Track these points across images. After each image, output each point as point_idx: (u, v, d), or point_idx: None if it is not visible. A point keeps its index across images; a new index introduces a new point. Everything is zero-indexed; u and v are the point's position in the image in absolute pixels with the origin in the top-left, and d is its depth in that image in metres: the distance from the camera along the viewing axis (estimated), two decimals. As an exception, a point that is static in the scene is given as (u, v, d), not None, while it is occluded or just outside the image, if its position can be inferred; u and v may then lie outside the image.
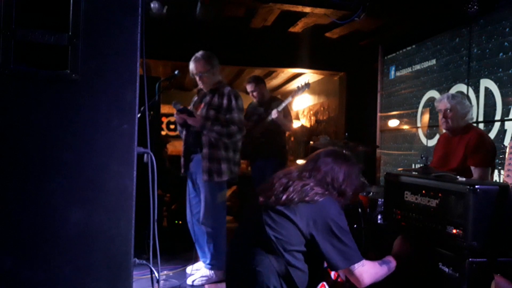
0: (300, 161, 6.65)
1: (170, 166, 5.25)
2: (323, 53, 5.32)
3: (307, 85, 4.36)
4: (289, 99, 4.39)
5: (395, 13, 4.19)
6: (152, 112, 3.62)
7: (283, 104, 4.19)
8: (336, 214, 1.81)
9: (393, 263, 1.99)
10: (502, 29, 3.45)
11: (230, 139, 3.20)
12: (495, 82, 3.50)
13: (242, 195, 5.91)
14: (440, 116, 3.01)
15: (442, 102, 2.97)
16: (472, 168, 2.83)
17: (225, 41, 4.89)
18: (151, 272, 1.65)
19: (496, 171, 3.23)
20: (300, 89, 4.33)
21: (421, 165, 2.70)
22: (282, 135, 4.44)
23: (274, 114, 4.07)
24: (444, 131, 3.14)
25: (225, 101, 3.24)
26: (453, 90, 4.01)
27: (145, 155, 1.65)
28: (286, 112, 4.38)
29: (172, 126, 9.61)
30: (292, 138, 8.32)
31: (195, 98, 3.53)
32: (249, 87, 4.34)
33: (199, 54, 3.31)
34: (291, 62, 5.49)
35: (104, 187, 1.40)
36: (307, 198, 1.80)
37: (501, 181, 3.22)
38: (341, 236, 1.78)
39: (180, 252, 3.90)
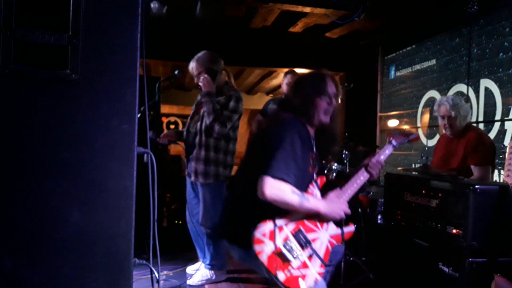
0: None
1: (171, 166, 5.25)
2: (323, 53, 5.32)
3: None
4: None
5: (395, 13, 4.19)
6: (152, 112, 3.61)
7: None
8: (292, 132, 1.85)
9: (310, 203, 1.78)
10: (502, 29, 3.45)
11: (215, 122, 3.09)
12: (495, 82, 3.50)
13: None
14: (442, 121, 3.00)
15: (444, 108, 2.95)
16: (472, 167, 2.84)
17: (225, 41, 4.89)
18: (151, 272, 1.65)
19: (496, 171, 3.23)
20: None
21: (421, 164, 2.71)
22: None
23: None
24: (444, 131, 3.14)
25: (225, 101, 3.21)
26: (453, 90, 4.01)
27: (145, 155, 1.65)
28: None
29: (172, 126, 9.62)
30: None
31: (199, 97, 3.47)
32: (288, 78, 4.13)
33: (200, 53, 3.24)
34: (291, 62, 5.48)
35: (104, 187, 1.40)
36: (274, 124, 1.97)
37: (501, 181, 3.22)
38: (280, 149, 1.77)
39: (180, 252, 3.90)
